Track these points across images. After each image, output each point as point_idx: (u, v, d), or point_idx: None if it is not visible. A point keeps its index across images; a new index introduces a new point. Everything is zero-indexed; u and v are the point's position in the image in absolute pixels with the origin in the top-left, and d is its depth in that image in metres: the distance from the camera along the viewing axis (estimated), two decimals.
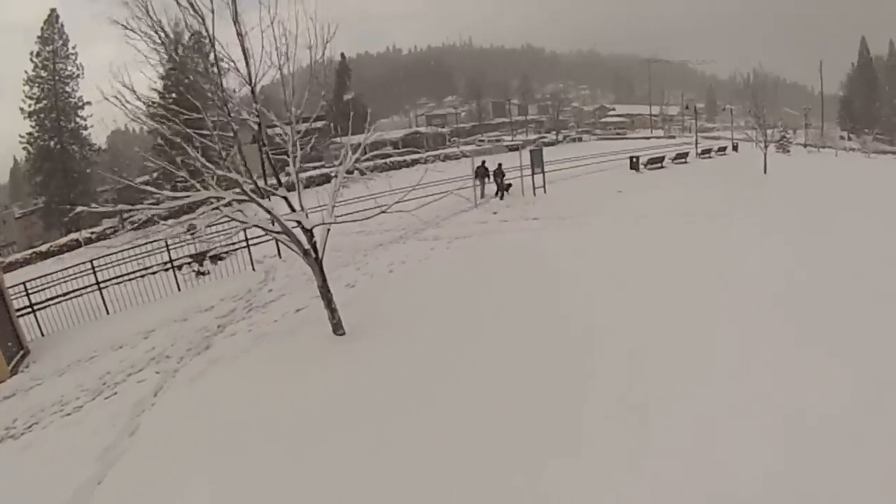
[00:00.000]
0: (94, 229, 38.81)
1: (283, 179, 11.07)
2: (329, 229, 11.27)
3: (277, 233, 10.89)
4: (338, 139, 58.61)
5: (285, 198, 10.91)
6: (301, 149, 11.06)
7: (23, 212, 52.41)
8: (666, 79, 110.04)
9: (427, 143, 60.68)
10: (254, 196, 10.27)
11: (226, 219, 10.35)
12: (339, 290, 14.16)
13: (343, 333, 11.03)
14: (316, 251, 10.98)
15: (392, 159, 47.55)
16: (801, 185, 25.35)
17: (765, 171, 28.53)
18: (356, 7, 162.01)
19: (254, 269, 17.40)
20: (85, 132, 46.61)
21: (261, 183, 11.24)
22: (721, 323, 9.30)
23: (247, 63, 10.48)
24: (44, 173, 45.22)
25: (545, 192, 23.38)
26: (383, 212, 10.92)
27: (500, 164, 23.42)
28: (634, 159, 29.91)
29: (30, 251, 37.98)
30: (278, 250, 17.90)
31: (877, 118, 68.48)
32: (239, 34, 10.56)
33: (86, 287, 16.73)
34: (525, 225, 18.21)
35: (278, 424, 7.80)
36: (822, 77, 65.67)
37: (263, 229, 10.98)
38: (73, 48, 45.96)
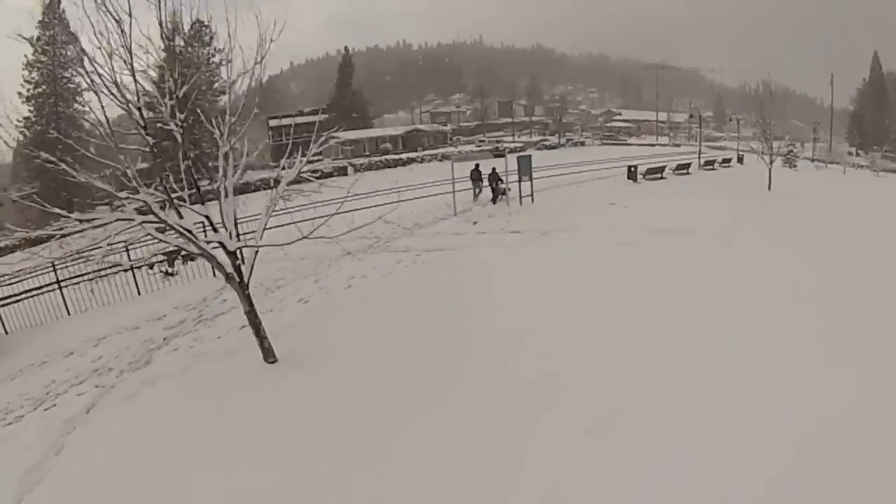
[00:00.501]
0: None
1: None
2: (257, 252, 9.79)
3: (198, 253, 9.40)
4: (338, 134, 57.06)
5: (207, 217, 9.42)
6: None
7: (20, 195, 51.50)
8: (675, 85, 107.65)
9: (427, 141, 58.98)
10: (165, 218, 8.76)
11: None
12: (290, 305, 13.01)
13: (274, 361, 9.78)
14: (241, 275, 9.50)
15: (388, 157, 46.08)
16: (808, 203, 23.59)
17: (769, 187, 26.69)
18: (367, 2, 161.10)
19: (215, 274, 15.97)
20: (83, 118, 45.37)
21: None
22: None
23: (173, 70, 9.29)
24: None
25: (532, 200, 21.76)
26: (306, 237, 9.76)
27: (494, 169, 22.14)
28: (632, 169, 28.10)
29: (18, 237, 36.55)
30: (241, 255, 16.37)
31: (886, 135, 66.23)
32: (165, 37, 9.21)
33: (50, 285, 15.74)
34: (503, 239, 16.64)
35: (189, 461, 7.13)
36: (832, 90, 63.55)
37: (188, 248, 9.45)
38: (74, 33, 44.40)
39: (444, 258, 15.15)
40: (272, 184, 10.47)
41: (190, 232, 9.03)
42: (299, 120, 65.69)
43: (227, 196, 9.56)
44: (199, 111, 10.14)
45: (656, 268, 12.94)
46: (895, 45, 69.29)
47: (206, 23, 52.85)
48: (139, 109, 8.97)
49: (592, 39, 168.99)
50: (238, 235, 10.09)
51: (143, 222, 8.49)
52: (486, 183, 22.69)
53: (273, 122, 64.92)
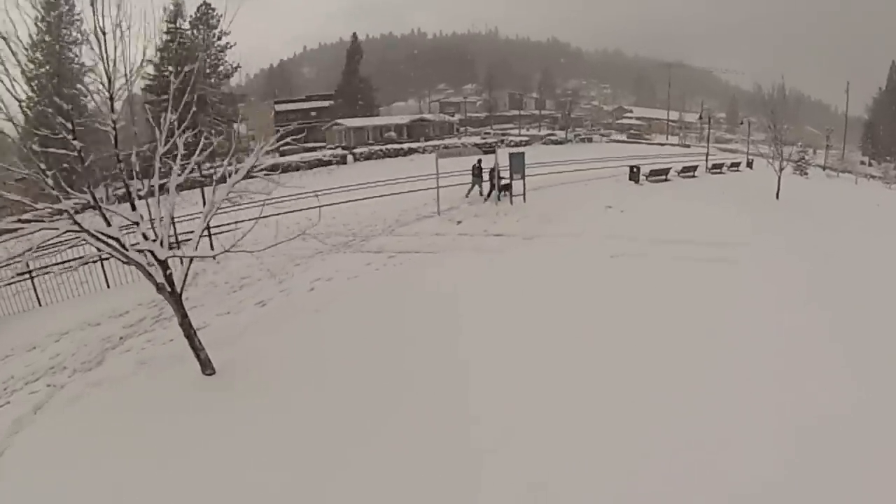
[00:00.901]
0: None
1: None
2: (191, 261, 8.73)
3: (125, 262, 8.39)
4: (341, 121, 55.89)
5: (137, 223, 8.38)
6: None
7: (22, 174, 51.15)
8: (688, 85, 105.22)
9: (433, 131, 57.52)
10: (86, 228, 7.75)
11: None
12: (248, 307, 12.21)
13: (212, 373, 9.04)
14: (172, 285, 8.47)
15: (389, 146, 44.72)
16: (817, 214, 22.09)
17: (777, 196, 25.18)
18: None
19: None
20: (85, 99, 42.84)
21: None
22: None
23: (105, 66, 8.20)
24: (39, 138, 43.50)
25: (524, 200, 20.52)
26: (227, 251, 8.68)
27: (497, 163, 21.00)
28: (635, 169, 26.66)
29: (14, 217, 36.07)
30: (211, 245, 15.50)
31: None
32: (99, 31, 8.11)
33: (21, 274, 14.70)
34: (484, 243, 15.54)
35: (114, 478, 6.68)
36: (847, 97, 61.31)
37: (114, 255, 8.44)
38: (79, 14, 43.55)
39: (416, 263, 14.15)
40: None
41: (117, 239, 7.95)
42: (305, 105, 64.86)
43: (166, 196, 8.42)
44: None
45: (647, 286, 11.87)
46: None
47: (211, 5, 52.46)
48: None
49: (609, 36, 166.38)
50: (177, 241, 9.02)
51: (67, 230, 7.79)
52: (486, 178, 21.58)
53: (279, 108, 63.82)
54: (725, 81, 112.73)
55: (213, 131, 46.54)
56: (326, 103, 62.23)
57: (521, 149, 21.69)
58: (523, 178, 20.57)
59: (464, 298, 11.52)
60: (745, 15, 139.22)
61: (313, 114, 60.06)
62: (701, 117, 42.57)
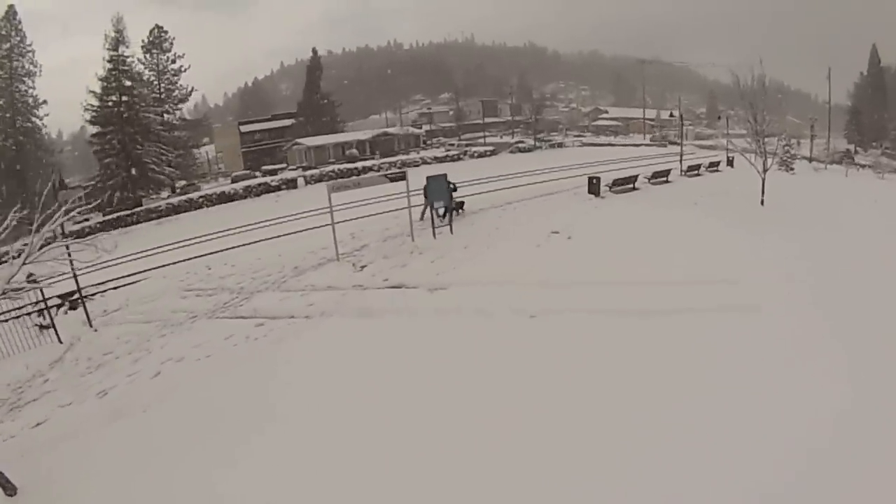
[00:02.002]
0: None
1: None
2: None
3: None
4: (301, 140, 51.85)
5: None
6: None
7: None
8: (667, 82, 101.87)
9: (398, 145, 53.44)
10: None
11: None
12: (89, 398, 9.60)
13: (12, 494, 6.90)
14: None
15: (342, 167, 40.41)
16: (813, 222, 17.67)
17: (762, 202, 20.95)
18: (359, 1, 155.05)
19: (60, 340, 12.54)
20: (41, 132, 43.87)
21: None
22: None
23: None
24: None
25: (451, 231, 16.33)
26: None
27: (449, 183, 17.56)
28: (594, 181, 22.41)
29: None
30: (86, 312, 13.45)
31: (886, 132, 60.18)
32: None
33: None
34: (375, 301, 11.87)
35: None
36: (830, 84, 57.25)
37: None
38: (31, 45, 42.75)
39: (280, 336, 10.69)
40: None
41: None
42: (270, 125, 61.04)
43: None
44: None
45: (570, 372, 7.67)
46: (893, 38, 62.60)
47: (164, 27, 48.82)
48: None
49: (586, 37, 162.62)
50: None
51: None
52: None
53: (244, 128, 60.17)
54: (704, 76, 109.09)
55: (160, 160, 43.28)
56: (290, 122, 58.42)
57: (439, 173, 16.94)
58: (447, 204, 16.36)
59: (313, 393, 8.30)
60: (721, 10, 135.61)
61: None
62: (672, 114, 37.79)
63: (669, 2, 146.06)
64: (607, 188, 22.77)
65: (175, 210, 35.08)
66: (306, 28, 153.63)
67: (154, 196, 42.20)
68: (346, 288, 12.70)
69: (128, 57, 41.91)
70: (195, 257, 18.74)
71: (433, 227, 16.24)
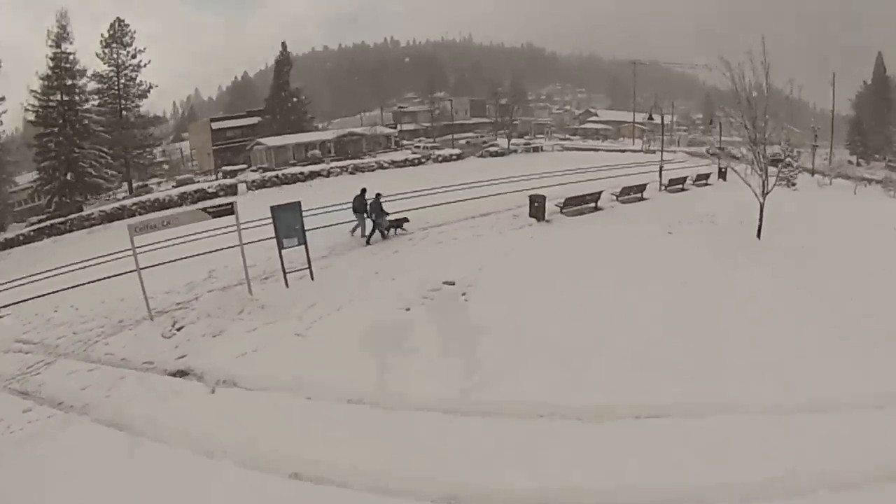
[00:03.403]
0: None
1: None
2: None
3: None
4: (262, 140, 46.69)
5: None
6: None
7: None
8: (664, 86, 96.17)
9: (366, 146, 48.08)
10: None
11: None
12: None
13: None
14: None
15: (285, 171, 35.10)
16: (829, 268, 12.11)
17: (759, 234, 15.35)
18: None
19: None
20: None
21: None
22: None
23: None
24: None
25: (312, 278, 11.02)
26: None
27: (377, 195, 16.11)
28: (536, 203, 16.82)
29: None
30: None
31: (890, 143, 54.61)
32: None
33: None
34: (145, 401, 7.73)
35: None
36: (834, 91, 51.55)
37: None
38: None
39: (31, 432, 7.35)
40: None
41: None
42: (242, 122, 56.13)
43: None
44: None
45: None
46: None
47: (126, 22, 43.91)
48: None
49: (584, 40, 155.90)
50: None
51: None
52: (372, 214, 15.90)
53: (216, 125, 55.34)
54: (703, 81, 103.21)
55: (98, 163, 38.63)
56: (254, 120, 53.46)
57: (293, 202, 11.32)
58: (305, 243, 11.08)
59: None
60: (720, 9, 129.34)
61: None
62: (650, 117, 31.73)
63: (669, 6, 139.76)
64: (559, 209, 17.36)
65: (108, 218, 30.53)
66: (306, 23, 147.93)
67: (109, 197, 38.38)
68: (135, 366, 8.84)
69: (71, 54, 37.59)
70: (64, 289, 15.03)
71: (284, 274, 10.97)
